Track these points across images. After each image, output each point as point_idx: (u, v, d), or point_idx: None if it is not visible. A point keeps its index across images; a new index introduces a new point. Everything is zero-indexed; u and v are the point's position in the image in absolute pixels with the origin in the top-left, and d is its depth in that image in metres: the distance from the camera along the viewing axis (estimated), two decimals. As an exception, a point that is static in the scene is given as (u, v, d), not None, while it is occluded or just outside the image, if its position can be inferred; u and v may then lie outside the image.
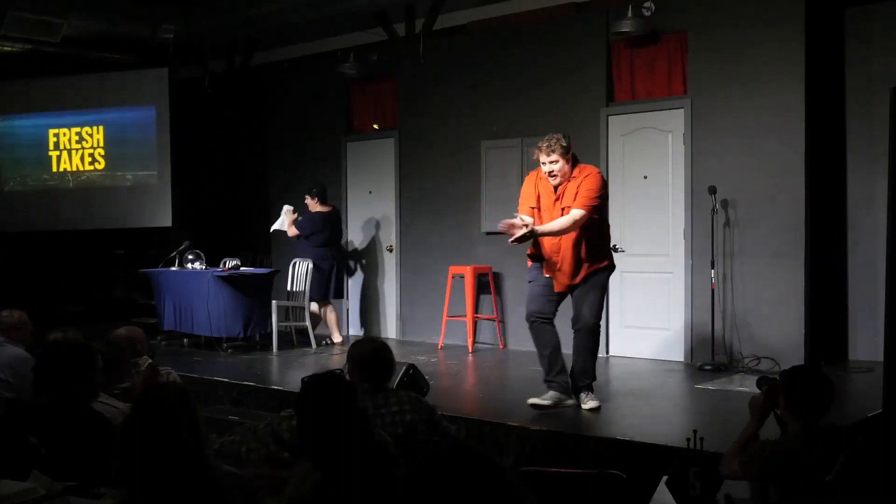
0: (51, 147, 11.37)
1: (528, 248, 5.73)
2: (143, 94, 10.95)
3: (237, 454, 3.37)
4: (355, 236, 10.32)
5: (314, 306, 9.12)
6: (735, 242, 7.52)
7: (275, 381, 7.42)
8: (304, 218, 9.30)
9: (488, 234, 8.95)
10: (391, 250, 9.93)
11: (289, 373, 7.80)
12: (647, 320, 7.99)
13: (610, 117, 8.25)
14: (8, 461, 3.05)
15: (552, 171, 5.52)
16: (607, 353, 8.09)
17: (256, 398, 6.81)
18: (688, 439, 3.43)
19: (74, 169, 11.31)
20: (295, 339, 9.20)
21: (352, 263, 10.33)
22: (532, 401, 5.61)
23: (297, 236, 9.25)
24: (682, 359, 7.77)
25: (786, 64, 7.30)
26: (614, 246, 6.85)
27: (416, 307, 9.66)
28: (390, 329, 9.88)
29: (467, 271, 8.80)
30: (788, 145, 7.29)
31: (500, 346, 8.89)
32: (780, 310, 7.30)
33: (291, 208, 9.40)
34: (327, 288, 9.19)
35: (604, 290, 5.73)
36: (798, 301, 7.23)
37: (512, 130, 8.81)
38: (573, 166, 5.58)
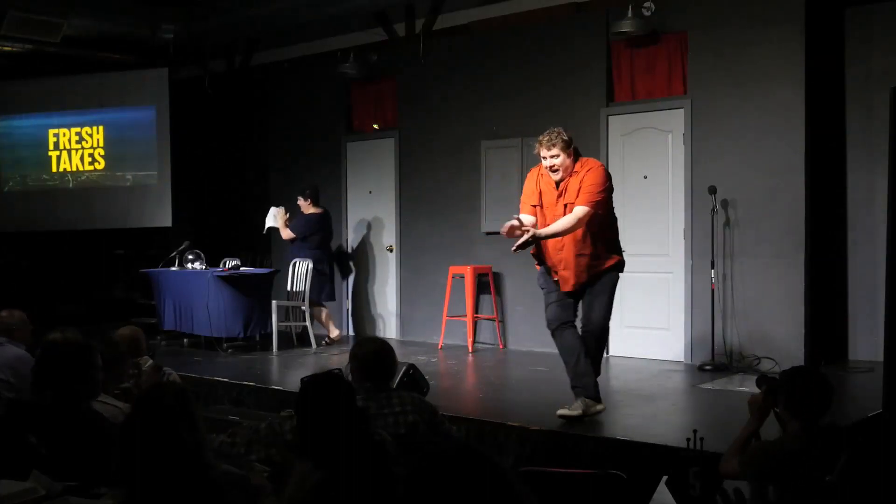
0: (51, 147, 11.37)
1: (532, 247, 5.49)
2: (143, 94, 10.95)
3: (232, 455, 3.36)
4: (355, 236, 10.32)
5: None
6: (735, 242, 7.52)
7: (275, 381, 7.42)
8: (298, 220, 9.31)
9: (488, 234, 8.95)
10: (391, 250, 9.93)
11: (289, 373, 7.80)
12: (647, 320, 7.99)
13: (610, 117, 8.26)
14: (8, 461, 3.04)
15: (553, 166, 5.28)
16: (607, 352, 8.07)
17: (256, 398, 6.81)
18: (688, 439, 3.43)
19: (74, 169, 11.32)
20: (295, 339, 9.20)
21: (352, 263, 10.33)
22: (561, 412, 5.35)
23: (293, 239, 9.24)
24: (682, 359, 7.77)
25: (786, 64, 7.30)
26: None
27: (416, 307, 9.66)
28: (390, 329, 9.88)
29: (467, 271, 8.80)
30: (788, 145, 7.29)
31: (500, 346, 8.89)
32: (780, 310, 7.30)
33: (282, 209, 9.40)
34: (327, 290, 9.20)
35: (613, 289, 5.44)
36: (798, 301, 7.23)
37: (512, 130, 8.81)
38: (575, 160, 5.34)
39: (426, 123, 9.56)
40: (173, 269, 9.35)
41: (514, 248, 5.16)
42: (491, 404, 6.39)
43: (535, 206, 5.44)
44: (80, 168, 11.29)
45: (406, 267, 9.78)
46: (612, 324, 7.92)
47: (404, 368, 5.72)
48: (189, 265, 9.21)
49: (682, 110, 7.84)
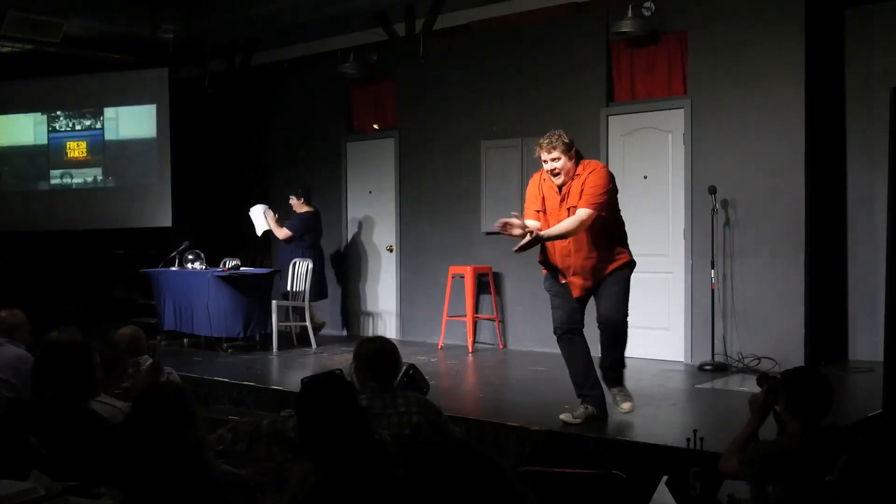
0: (51, 147, 11.37)
1: (536, 254, 5.41)
2: (144, 94, 10.95)
3: (233, 451, 3.35)
4: (355, 236, 10.32)
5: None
6: (735, 242, 7.52)
7: (275, 381, 7.42)
8: (294, 219, 9.31)
9: (488, 234, 8.95)
10: (391, 250, 9.93)
11: (289, 373, 7.80)
12: (647, 320, 7.98)
13: (610, 117, 8.26)
14: (8, 461, 3.05)
15: (554, 169, 5.18)
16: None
17: (256, 398, 6.81)
18: (688, 439, 3.43)
19: (74, 169, 11.31)
20: (295, 339, 9.20)
21: (352, 263, 10.34)
22: (562, 417, 5.32)
23: (290, 237, 9.23)
24: (682, 359, 7.77)
25: (786, 64, 7.30)
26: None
27: (416, 307, 9.66)
28: (390, 329, 9.88)
29: (467, 271, 8.80)
30: (788, 145, 7.29)
31: (500, 346, 8.89)
32: (780, 310, 7.30)
33: (268, 209, 9.39)
34: (317, 289, 9.21)
35: (625, 284, 5.29)
36: (798, 301, 7.23)
37: (512, 130, 8.81)
38: (577, 163, 5.22)
39: (426, 123, 9.56)
40: (173, 269, 9.34)
41: (516, 248, 5.05)
42: (491, 404, 6.39)
43: (538, 211, 5.31)
44: (80, 168, 11.28)
45: (406, 267, 9.78)
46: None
47: (404, 368, 5.69)
48: (189, 265, 9.21)
49: (682, 110, 7.84)
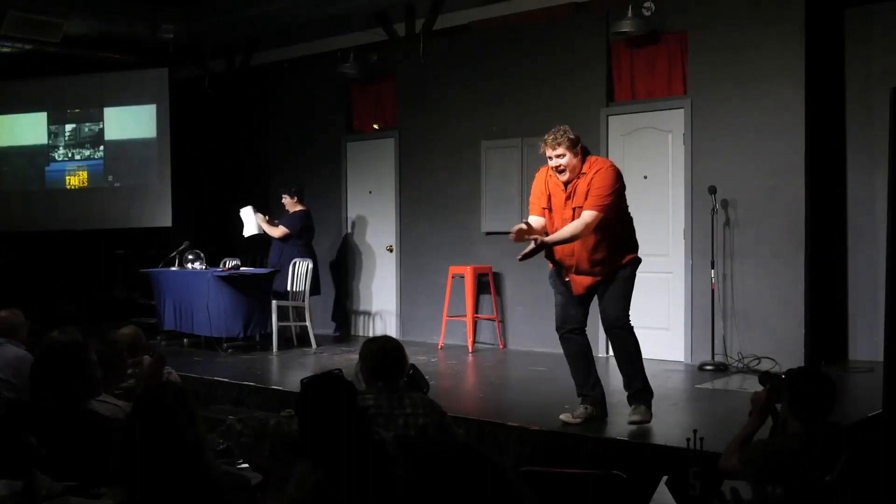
0: (50, 147, 11.37)
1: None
2: (143, 94, 10.95)
3: (240, 444, 3.30)
4: (355, 236, 10.32)
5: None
6: (735, 242, 7.52)
7: (275, 381, 7.42)
8: (290, 217, 9.31)
9: (488, 234, 8.95)
10: (391, 250, 9.93)
11: (289, 373, 7.80)
12: (647, 320, 7.95)
13: (610, 117, 8.26)
14: (8, 461, 3.05)
15: (559, 166, 5.06)
16: (607, 352, 8.08)
17: (256, 398, 6.81)
18: (688, 439, 3.42)
19: (74, 169, 11.31)
20: (295, 339, 9.20)
21: (352, 263, 10.34)
22: (562, 417, 5.30)
23: (288, 235, 9.22)
24: (682, 359, 7.77)
25: (786, 64, 7.30)
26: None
27: (416, 307, 9.66)
28: (390, 329, 9.88)
29: (467, 271, 8.80)
30: (788, 145, 7.29)
31: (500, 346, 8.89)
32: (780, 310, 7.30)
33: (255, 211, 9.39)
34: (315, 285, 9.22)
35: (627, 284, 5.21)
36: (798, 301, 7.23)
37: (512, 130, 8.81)
38: (583, 160, 5.11)
39: (426, 123, 9.56)
40: (173, 269, 9.34)
41: (520, 256, 4.99)
42: (491, 404, 6.39)
43: (544, 208, 5.22)
44: (80, 168, 11.28)
45: (406, 267, 9.78)
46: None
47: (405, 368, 5.70)
48: (189, 265, 9.21)
49: (682, 110, 7.84)
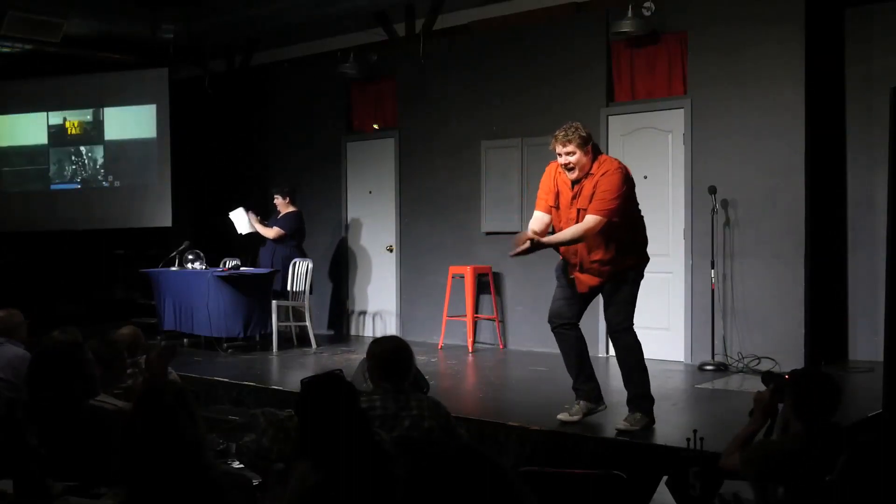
0: (50, 147, 11.36)
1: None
2: (143, 94, 10.95)
3: (259, 437, 3.25)
4: (355, 236, 10.32)
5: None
6: (735, 242, 7.52)
7: (275, 381, 7.42)
8: (284, 218, 9.31)
9: (488, 234, 8.95)
10: (391, 250, 9.93)
11: (289, 373, 7.80)
12: (647, 320, 7.94)
13: (610, 117, 8.26)
14: (8, 461, 3.05)
15: (568, 164, 4.96)
16: (607, 352, 8.08)
17: (256, 398, 6.80)
18: (688, 439, 3.42)
19: (75, 169, 11.31)
20: (295, 339, 9.20)
21: (351, 263, 10.34)
22: (560, 416, 5.29)
23: (282, 236, 9.22)
24: (682, 359, 7.77)
25: (786, 64, 7.30)
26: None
27: (416, 307, 9.66)
28: (390, 329, 9.88)
29: (467, 271, 8.80)
30: (788, 145, 7.29)
31: (500, 346, 8.89)
32: (780, 310, 7.30)
33: (246, 211, 9.39)
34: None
35: (631, 289, 5.18)
36: (798, 301, 7.23)
37: (512, 130, 8.81)
38: (594, 158, 5.01)
39: (426, 123, 9.56)
40: (173, 269, 9.34)
41: (513, 254, 4.96)
42: (491, 404, 6.39)
43: (552, 206, 5.15)
44: (80, 168, 11.28)
45: (406, 267, 9.78)
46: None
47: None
48: (189, 265, 9.21)
49: (682, 110, 7.84)
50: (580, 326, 5.37)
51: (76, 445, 3.20)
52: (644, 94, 8.17)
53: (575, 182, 5.05)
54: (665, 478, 3.39)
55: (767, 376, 3.59)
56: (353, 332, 10.25)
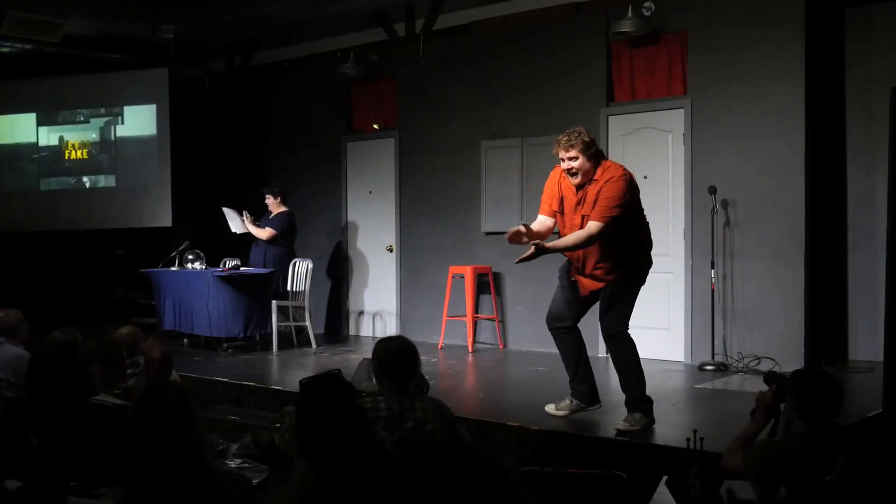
0: (51, 147, 11.37)
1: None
2: (143, 94, 10.95)
3: (281, 440, 3.24)
4: (355, 236, 10.32)
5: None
6: (735, 242, 7.52)
7: (275, 381, 7.42)
8: (277, 218, 9.30)
9: (488, 234, 8.95)
10: (391, 250, 9.93)
11: (289, 373, 7.80)
12: (647, 320, 7.96)
13: (610, 117, 8.25)
14: (8, 461, 3.05)
15: (571, 168, 4.95)
16: (607, 353, 8.07)
17: (256, 398, 6.81)
18: (688, 439, 3.43)
19: (74, 169, 11.31)
20: (295, 339, 9.20)
21: (351, 263, 10.34)
22: (547, 408, 5.36)
23: (275, 236, 9.21)
24: (682, 359, 7.77)
25: (786, 64, 7.30)
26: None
27: (416, 307, 9.66)
28: (390, 329, 9.88)
29: (467, 271, 8.80)
30: (788, 145, 7.29)
31: (500, 346, 8.89)
32: (780, 310, 7.30)
33: (237, 211, 9.39)
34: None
35: (629, 295, 5.16)
36: (798, 301, 7.23)
37: (512, 130, 8.81)
38: (597, 163, 5.00)
39: (426, 123, 9.56)
40: (173, 269, 9.33)
41: (518, 260, 4.93)
42: (491, 404, 6.39)
43: (555, 211, 5.15)
44: (80, 168, 11.28)
45: (406, 267, 9.78)
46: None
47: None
48: (189, 265, 9.20)
49: (682, 110, 7.84)
50: (580, 328, 5.40)
51: (76, 445, 3.20)
52: (644, 94, 8.17)
53: (579, 187, 5.04)
54: (665, 478, 3.40)
55: (770, 376, 3.59)
56: (352, 332, 10.25)
